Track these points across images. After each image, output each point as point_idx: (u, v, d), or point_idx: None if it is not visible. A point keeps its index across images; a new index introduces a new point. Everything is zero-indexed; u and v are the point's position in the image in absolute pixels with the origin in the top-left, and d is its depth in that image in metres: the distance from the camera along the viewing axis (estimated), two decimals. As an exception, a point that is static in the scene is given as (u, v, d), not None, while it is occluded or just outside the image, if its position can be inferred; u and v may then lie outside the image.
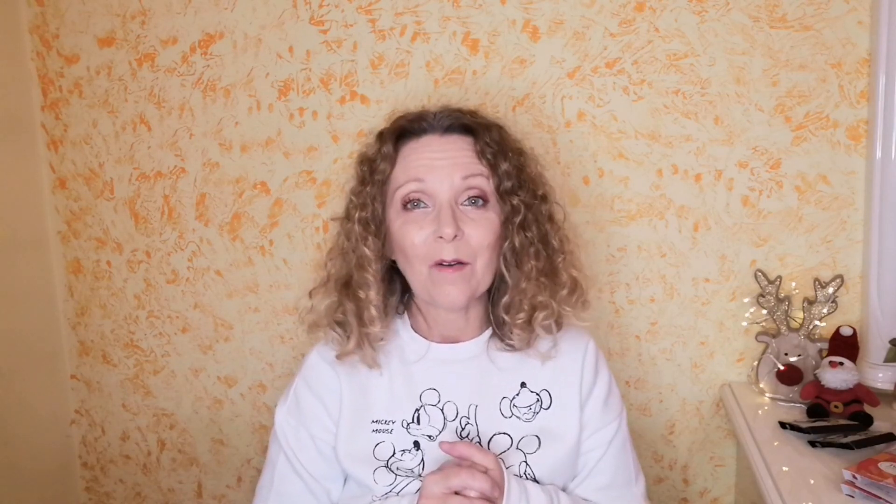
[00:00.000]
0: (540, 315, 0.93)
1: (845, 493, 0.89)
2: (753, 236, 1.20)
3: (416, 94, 1.25)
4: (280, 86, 1.30)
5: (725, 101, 1.17)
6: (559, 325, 0.96)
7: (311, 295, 1.00)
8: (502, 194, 0.92)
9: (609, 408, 0.97)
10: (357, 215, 0.94)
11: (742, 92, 1.17)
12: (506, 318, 0.94)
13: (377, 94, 1.27)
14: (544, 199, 0.97)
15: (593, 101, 1.21)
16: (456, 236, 0.88)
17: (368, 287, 0.93)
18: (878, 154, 1.10)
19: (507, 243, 0.93)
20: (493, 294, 0.97)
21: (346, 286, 0.95)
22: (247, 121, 1.32)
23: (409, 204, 0.91)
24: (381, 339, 0.95)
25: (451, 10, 1.22)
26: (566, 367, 0.96)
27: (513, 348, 0.95)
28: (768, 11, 1.14)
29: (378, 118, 1.26)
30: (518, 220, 0.92)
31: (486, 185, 0.92)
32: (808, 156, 1.17)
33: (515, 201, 0.92)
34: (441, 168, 0.90)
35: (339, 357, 0.95)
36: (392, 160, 0.94)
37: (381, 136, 0.96)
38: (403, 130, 0.95)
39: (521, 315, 0.93)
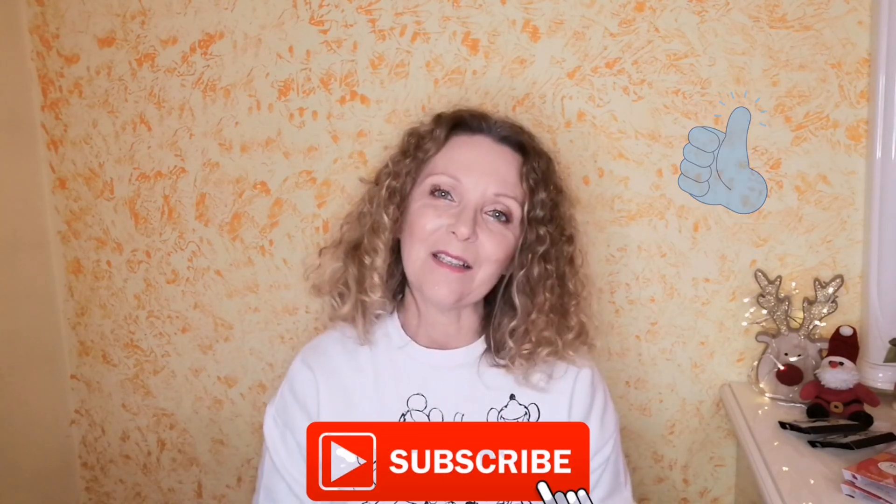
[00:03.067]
0: (544, 351, 0.92)
1: (845, 493, 0.89)
2: (753, 236, 1.20)
3: (416, 94, 1.25)
4: (280, 86, 1.30)
5: (725, 100, 1.17)
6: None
7: (320, 253, 1.00)
8: (532, 221, 0.92)
9: (605, 428, 0.96)
10: (388, 183, 0.94)
11: (742, 92, 1.16)
12: (510, 343, 0.93)
13: (377, 94, 1.27)
14: (570, 239, 0.97)
15: (593, 101, 1.21)
16: (469, 238, 0.87)
17: (377, 253, 0.93)
18: (878, 154, 1.10)
19: (523, 271, 0.92)
20: (494, 317, 0.96)
21: (355, 250, 0.95)
22: (247, 121, 1.32)
23: (437, 192, 0.91)
24: (377, 315, 0.95)
25: (451, 10, 1.22)
26: (556, 385, 0.95)
27: (504, 368, 0.94)
28: (768, 11, 1.14)
29: (378, 118, 1.27)
30: (542, 250, 0.92)
31: (516, 207, 0.91)
32: (808, 156, 1.17)
33: (542, 231, 0.92)
34: (481, 174, 0.90)
35: (330, 319, 0.95)
36: (439, 144, 0.94)
37: (438, 119, 0.96)
38: (462, 121, 0.95)
39: (528, 346, 0.92)
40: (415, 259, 0.91)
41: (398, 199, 0.93)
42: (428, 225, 0.89)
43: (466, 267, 0.89)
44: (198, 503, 1.50)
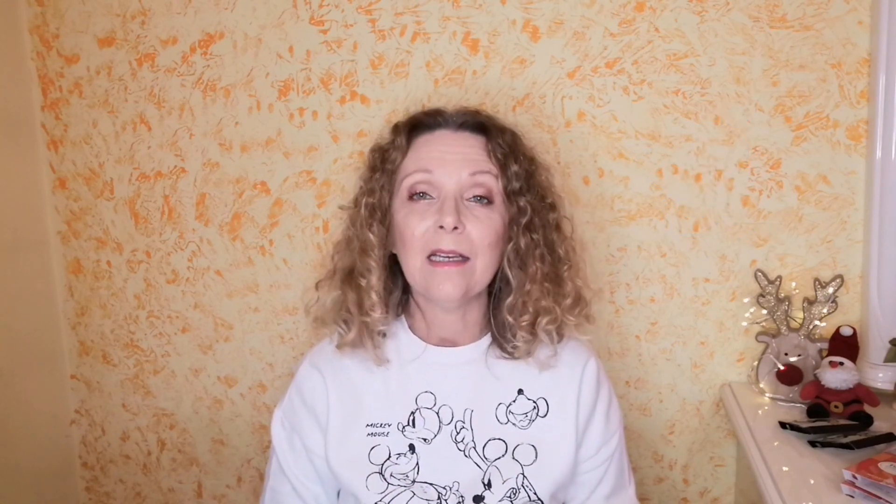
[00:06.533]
0: (544, 320, 0.93)
1: (845, 493, 0.89)
2: (753, 236, 1.20)
3: (416, 94, 1.25)
4: (280, 86, 1.30)
5: (725, 101, 1.17)
6: (560, 335, 0.96)
7: (317, 287, 1.00)
8: (509, 194, 0.92)
9: (610, 422, 0.97)
10: (364, 201, 0.95)
11: (742, 92, 1.16)
12: (509, 319, 0.94)
13: (377, 94, 1.27)
14: (552, 207, 0.98)
15: (593, 101, 1.21)
16: (456, 228, 0.88)
17: (370, 272, 0.93)
18: (878, 154, 1.10)
19: (511, 244, 0.93)
20: (494, 297, 0.97)
21: (350, 276, 0.95)
22: (247, 121, 1.32)
23: (415, 195, 0.92)
24: (383, 333, 0.95)
25: (451, 10, 1.22)
26: (564, 378, 0.95)
27: (512, 356, 0.95)
28: (768, 11, 1.14)
29: (378, 118, 1.27)
30: (524, 221, 0.93)
31: (494, 183, 0.92)
32: (808, 156, 1.17)
33: (522, 202, 0.93)
34: (450, 162, 0.91)
35: (339, 347, 0.95)
36: (404, 151, 0.95)
37: (396, 128, 0.98)
38: (418, 123, 0.97)
39: (526, 317, 0.92)
40: (413, 268, 0.92)
41: (380, 215, 0.94)
42: (416, 230, 0.90)
43: (464, 259, 0.89)
44: (198, 503, 1.50)
